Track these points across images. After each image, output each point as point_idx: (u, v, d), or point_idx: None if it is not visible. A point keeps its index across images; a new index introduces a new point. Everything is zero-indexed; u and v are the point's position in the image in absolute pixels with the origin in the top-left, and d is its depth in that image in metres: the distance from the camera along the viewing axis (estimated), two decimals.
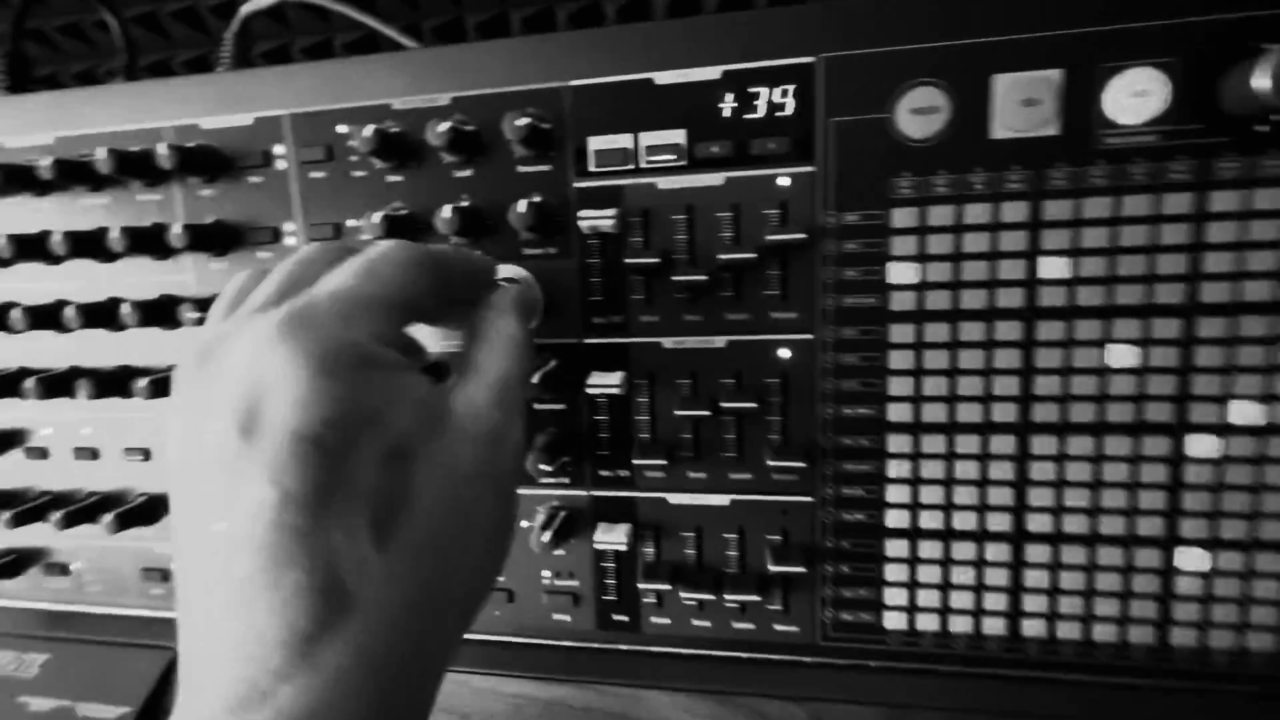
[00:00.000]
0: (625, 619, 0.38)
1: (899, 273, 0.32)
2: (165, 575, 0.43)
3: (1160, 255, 0.30)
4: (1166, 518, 0.32)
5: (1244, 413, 0.31)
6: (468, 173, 0.35)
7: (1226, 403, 0.31)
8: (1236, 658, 0.32)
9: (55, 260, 0.40)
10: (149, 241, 0.38)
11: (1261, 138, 0.29)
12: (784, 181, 0.33)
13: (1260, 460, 0.31)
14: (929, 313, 0.32)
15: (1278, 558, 0.31)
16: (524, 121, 0.33)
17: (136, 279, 0.40)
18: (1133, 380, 0.31)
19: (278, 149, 0.37)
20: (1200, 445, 0.31)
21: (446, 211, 0.34)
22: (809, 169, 0.32)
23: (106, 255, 0.40)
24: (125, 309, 0.38)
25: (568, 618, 0.39)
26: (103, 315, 0.39)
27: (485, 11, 0.57)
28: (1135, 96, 0.29)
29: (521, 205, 0.33)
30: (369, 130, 0.34)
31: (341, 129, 0.36)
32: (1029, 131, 0.30)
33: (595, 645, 0.39)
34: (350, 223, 0.37)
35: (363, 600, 0.19)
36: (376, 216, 0.35)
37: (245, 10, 0.44)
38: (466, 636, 0.40)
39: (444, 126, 0.33)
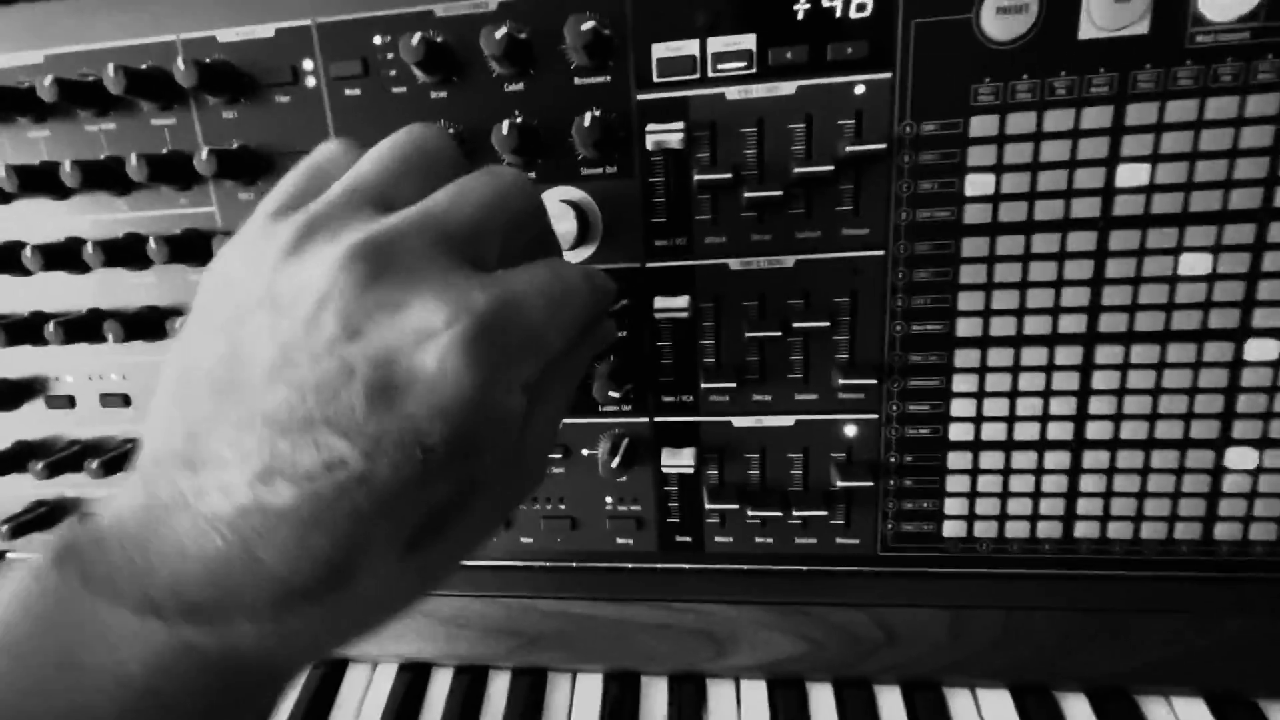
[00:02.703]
0: (689, 539, 0.39)
1: (975, 184, 0.32)
2: None
3: (1240, 159, 0.30)
4: (1220, 420, 0.33)
5: None
6: (519, 86, 0.33)
7: None
8: (1275, 548, 0.34)
9: (65, 193, 0.37)
10: (170, 170, 0.35)
11: None
12: (860, 90, 0.31)
13: None
14: (1003, 225, 0.32)
15: None
16: (586, 26, 0.30)
17: (154, 213, 0.38)
18: (1201, 288, 0.32)
19: (307, 64, 0.34)
20: (1260, 349, 0.32)
21: (504, 128, 0.32)
22: (886, 75, 0.31)
23: (121, 187, 0.37)
24: (151, 245, 0.36)
25: (630, 541, 0.39)
26: (124, 252, 0.37)
27: None
28: None
29: (586, 119, 0.31)
30: (415, 40, 0.31)
31: (378, 40, 0.33)
32: (1118, 30, 0.29)
33: (659, 566, 0.39)
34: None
35: (357, 597, 0.19)
36: None
37: None
38: (530, 565, 0.41)
39: (499, 34, 0.31)
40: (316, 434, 0.18)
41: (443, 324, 0.18)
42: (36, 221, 0.38)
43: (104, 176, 0.36)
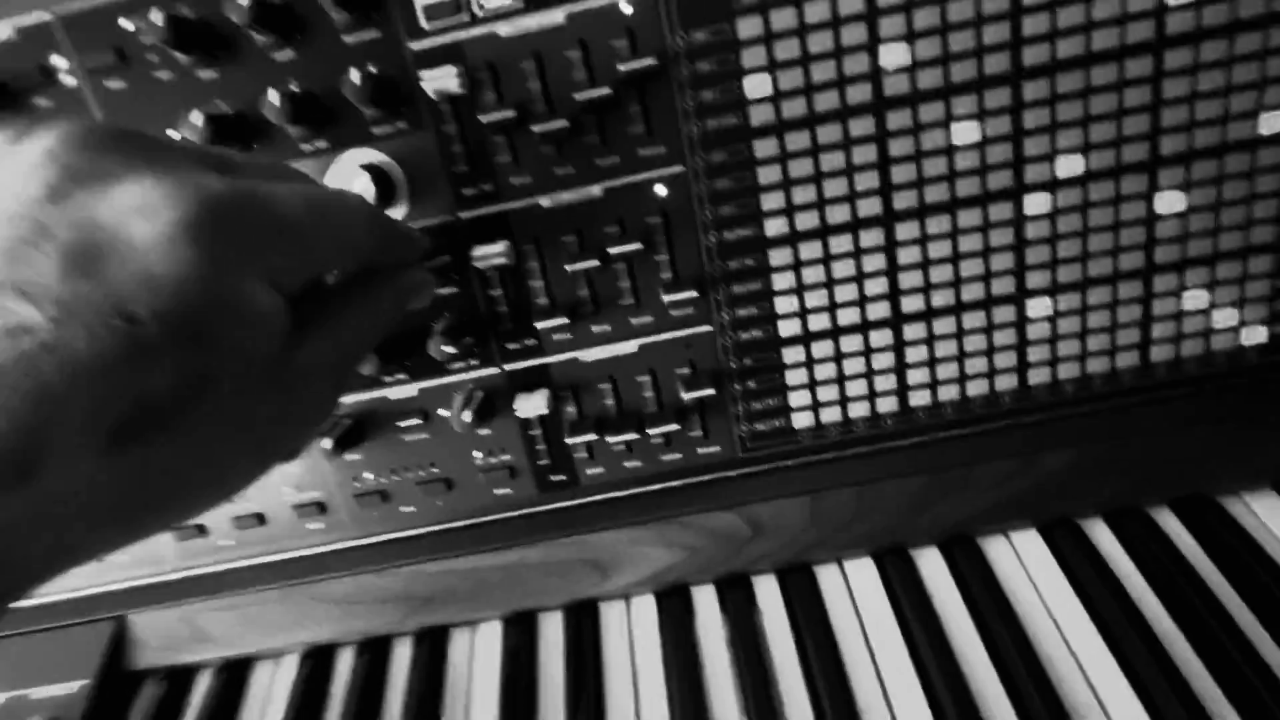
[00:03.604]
0: (563, 478, 0.40)
1: (754, 86, 0.33)
2: None
3: (985, 26, 0.32)
4: (1015, 275, 0.36)
5: (1069, 166, 0.34)
6: (289, 54, 0.32)
7: (1054, 159, 0.34)
8: (1080, 383, 0.38)
9: None
10: None
11: None
12: (626, 8, 0.32)
13: (1084, 207, 0.34)
14: (788, 122, 0.33)
15: (1104, 290, 0.36)
16: None
17: None
18: (975, 155, 0.34)
19: (57, 60, 0.32)
20: (1036, 203, 0.35)
21: (274, 98, 0.31)
22: None
23: None
24: None
25: (509, 490, 0.40)
26: None
27: None
28: None
29: (355, 76, 0.31)
30: (157, 18, 0.30)
31: (127, 24, 0.32)
32: None
33: (541, 509, 0.41)
34: (169, 132, 0.33)
35: (48, 496, 0.16)
36: (197, 119, 0.31)
37: None
38: (417, 532, 0.41)
39: (248, 2, 0.30)
40: (1, 297, 0.16)
41: (162, 200, 0.18)
42: None
43: None
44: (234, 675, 0.40)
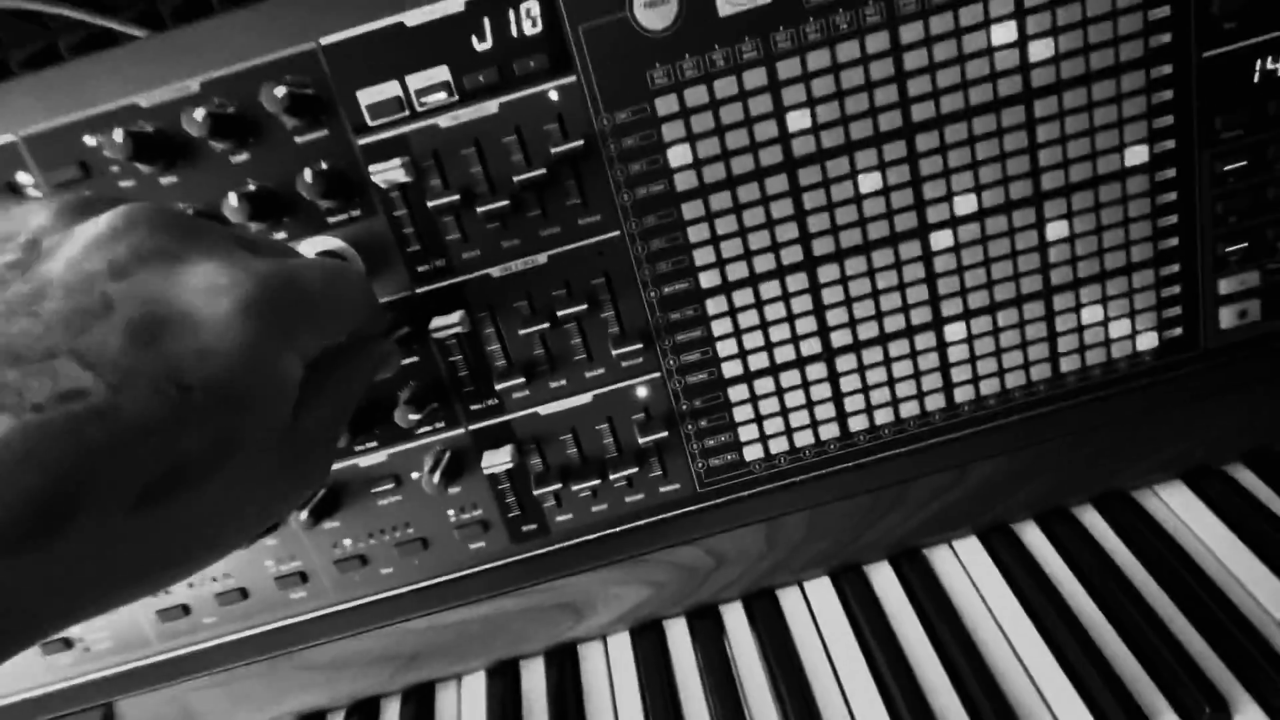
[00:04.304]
0: (534, 527, 0.42)
1: (676, 156, 0.36)
2: (68, 643, 0.42)
3: (875, 89, 0.36)
4: (930, 305, 0.39)
5: (964, 204, 0.38)
6: (245, 156, 0.35)
7: (950, 200, 0.38)
8: (1001, 396, 0.41)
9: None
10: None
11: None
12: (553, 96, 0.35)
13: (983, 240, 0.38)
14: (709, 185, 0.37)
15: (1010, 312, 0.39)
16: (282, 91, 0.32)
17: None
18: (880, 201, 0.37)
19: (23, 177, 0.35)
20: (940, 239, 0.38)
21: (233, 200, 0.33)
22: (572, 79, 0.35)
23: None
24: None
25: (483, 544, 0.42)
26: None
27: None
28: None
29: (307, 175, 0.33)
30: (119, 135, 0.32)
31: (90, 140, 0.34)
32: (749, 4, 0.34)
33: (515, 558, 0.42)
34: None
35: (66, 557, 0.17)
36: None
37: None
38: (396, 592, 0.42)
39: (201, 114, 0.32)
40: (58, 364, 0.16)
41: (225, 283, 0.19)
42: None
43: None
44: None
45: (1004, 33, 0.35)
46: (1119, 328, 0.40)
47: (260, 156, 0.35)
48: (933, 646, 0.36)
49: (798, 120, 0.36)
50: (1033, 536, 0.40)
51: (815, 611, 0.39)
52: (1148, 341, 0.40)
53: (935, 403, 0.41)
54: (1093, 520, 0.40)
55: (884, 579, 0.40)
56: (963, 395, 0.41)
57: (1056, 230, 0.38)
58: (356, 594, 0.42)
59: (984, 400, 0.41)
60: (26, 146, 0.34)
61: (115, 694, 0.42)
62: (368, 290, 0.28)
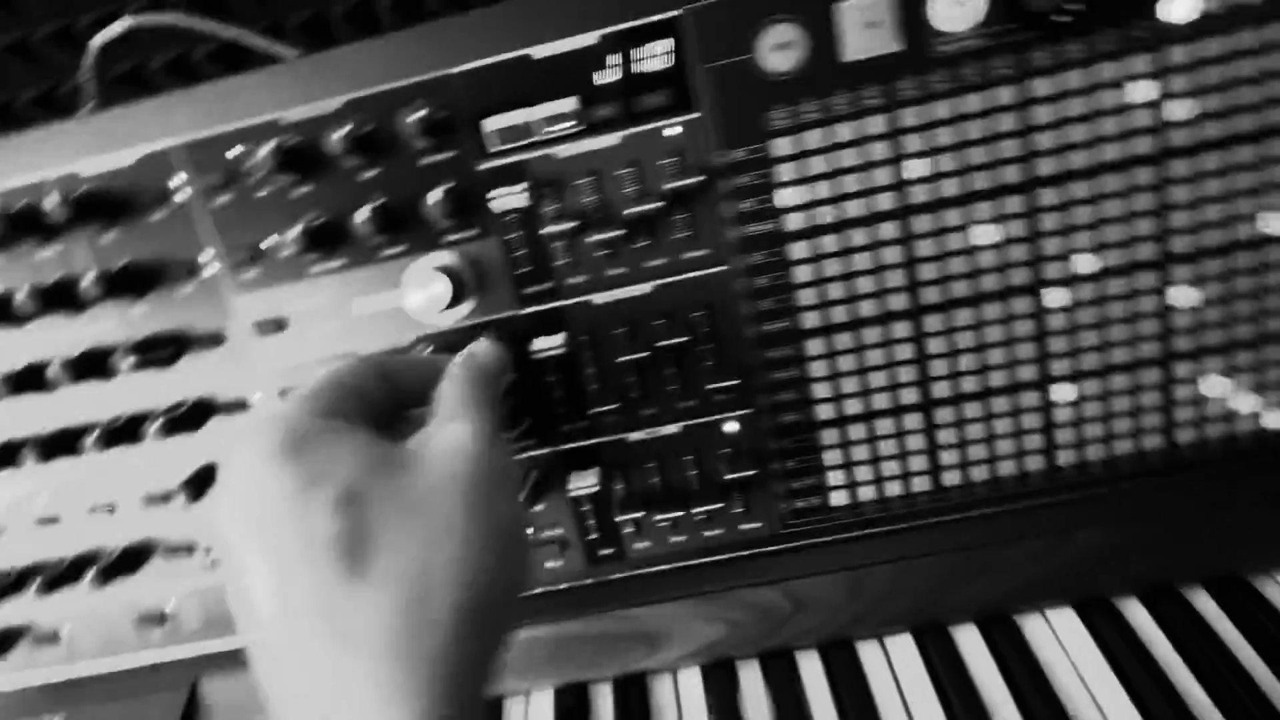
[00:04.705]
0: (611, 551, 0.42)
1: (788, 196, 0.36)
2: (162, 618, 0.44)
3: (1000, 142, 0.35)
4: (1038, 363, 0.38)
5: (1085, 264, 0.36)
6: (374, 172, 0.36)
7: (1070, 258, 0.36)
8: (1109, 464, 0.39)
9: None
10: (60, 298, 0.38)
11: (1063, 27, 0.34)
12: (673, 131, 0.35)
13: (1101, 300, 0.37)
14: (820, 227, 0.36)
15: (1125, 377, 0.38)
16: (418, 115, 0.34)
17: (52, 337, 0.39)
18: (995, 254, 0.37)
19: (174, 181, 0.37)
20: (1055, 297, 0.37)
21: (362, 215, 0.35)
22: (694, 116, 0.35)
23: (13, 320, 0.39)
24: (53, 370, 0.38)
25: (560, 563, 0.42)
26: (28, 380, 0.38)
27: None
28: (958, 6, 0.33)
29: (435, 196, 0.35)
30: (265, 149, 0.34)
31: (235, 151, 0.36)
32: (875, 51, 0.34)
33: (589, 581, 0.42)
34: (267, 242, 0.37)
35: (356, 632, 0.21)
36: (294, 233, 0.36)
37: (97, 42, 0.42)
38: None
39: (341, 133, 0.34)
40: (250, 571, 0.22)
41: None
42: None
43: None
44: None
45: (1143, 91, 0.34)
46: (1245, 402, 0.38)
47: (388, 174, 0.36)
48: (1022, 718, 0.35)
49: (916, 168, 0.35)
50: (1136, 614, 0.38)
51: (896, 669, 0.38)
52: (1277, 420, 0.38)
53: (1036, 463, 0.40)
54: (1205, 605, 0.38)
55: (971, 643, 0.39)
56: (1066, 458, 0.39)
57: (1183, 296, 0.37)
58: None
59: (1089, 466, 0.39)
60: (182, 153, 0.37)
61: (201, 673, 0.43)
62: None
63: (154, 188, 0.37)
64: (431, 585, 0.23)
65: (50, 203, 0.36)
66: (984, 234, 0.36)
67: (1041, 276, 0.37)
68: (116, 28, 0.41)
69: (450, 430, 0.26)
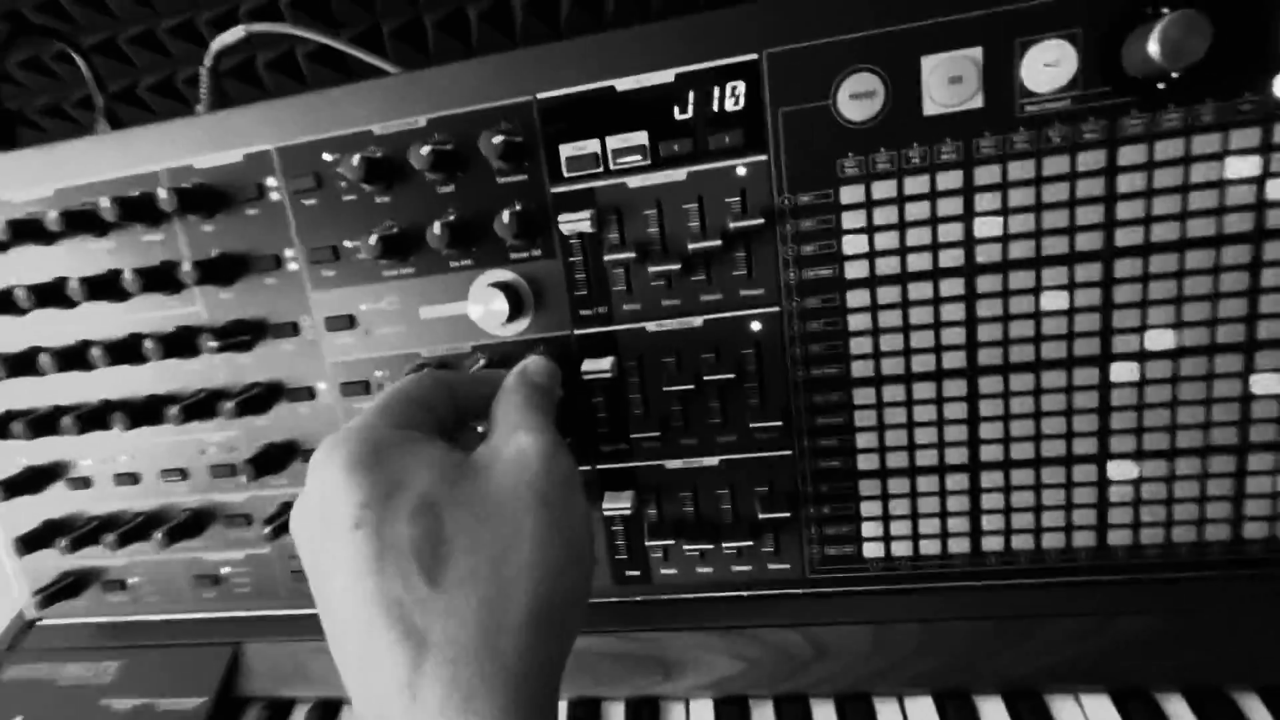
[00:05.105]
0: (637, 573, 0.43)
1: (851, 244, 0.36)
2: (216, 579, 0.47)
3: (1079, 207, 0.34)
4: (1098, 436, 0.37)
5: (1159, 340, 0.35)
6: (450, 188, 0.38)
7: (1143, 332, 0.35)
8: (1164, 550, 0.37)
9: (72, 305, 0.43)
10: (160, 279, 0.41)
11: (1161, 95, 0.32)
12: (741, 171, 0.36)
13: (1174, 379, 0.35)
14: (881, 277, 0.36)
15: (1192, 461, 0.36)
16: (499, 138, 0.35)
17: (148, 315, 0.43)
18: (1063, 321, 0.35)
19: (270, 181, 0.40)
20: (1123, 371, 0.35)
21: (436, 228, 0.37)
22: (762, 158, 0.35)
23: (119, 295, 0.42)
24: (148, 344, 0.41)
25: None
26: (126, 351, 0.42)
27: (442, 9, 0.58)
28: (1048, 66, 0.33)
29: (505, 215, 0.36)
30: (355, 158, 0.36)
31: (328, 157, 0.39)
32: (957, 106, 0.33)
33: (613, 600, 0.43)
34: (346, 244, 0.40)
35: (435, 634, 0.22)
36: (372, 238, 0.38)
37: (216, 46, 0.45)
38: None
39: (426, 149, 0.36)
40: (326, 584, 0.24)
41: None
42: (49, 330, 0.44)
43: (105, 287, 0.41)
44: (327, 715, 0.44)
45: (1243, 166, 0.32)
46: None
47: (464, 190, 0.38)
48: None
49: (987, 227, 0.35)
50: (1179, 711, 0.36)
51: None
52: None
53: (1084, 539, 0.38)
54: (1259, 713, 0.35)
55: (995, 715, 0.37)
56: (1118, 538, 0.38)
57: (1265, 384, 0.35)
58: None
59: (1143, 549, 0.38)
60: (278, 156, 0.39)
61: (243, 636, 0.46)
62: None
63: (252, 185, 0.40)
64: (506, 589, 0.23)
65: (164, 192, 0.39)
66: (1052, 300, 0.35)
67: (1110, 349, 0.35)
68: (234, 34, 0.44)
69: (518, 440, 0.27)
